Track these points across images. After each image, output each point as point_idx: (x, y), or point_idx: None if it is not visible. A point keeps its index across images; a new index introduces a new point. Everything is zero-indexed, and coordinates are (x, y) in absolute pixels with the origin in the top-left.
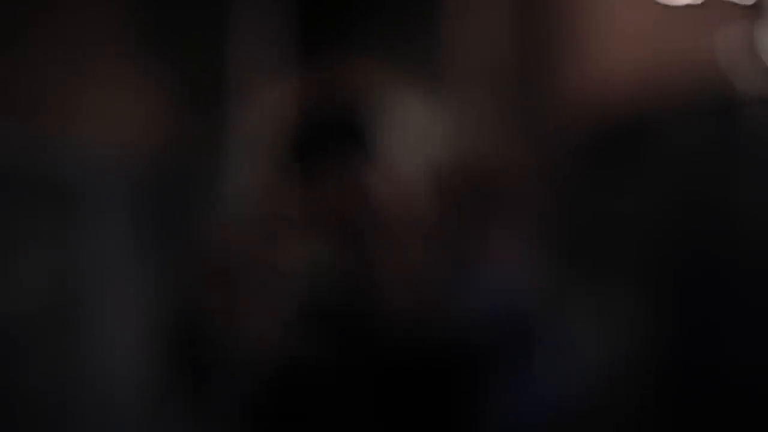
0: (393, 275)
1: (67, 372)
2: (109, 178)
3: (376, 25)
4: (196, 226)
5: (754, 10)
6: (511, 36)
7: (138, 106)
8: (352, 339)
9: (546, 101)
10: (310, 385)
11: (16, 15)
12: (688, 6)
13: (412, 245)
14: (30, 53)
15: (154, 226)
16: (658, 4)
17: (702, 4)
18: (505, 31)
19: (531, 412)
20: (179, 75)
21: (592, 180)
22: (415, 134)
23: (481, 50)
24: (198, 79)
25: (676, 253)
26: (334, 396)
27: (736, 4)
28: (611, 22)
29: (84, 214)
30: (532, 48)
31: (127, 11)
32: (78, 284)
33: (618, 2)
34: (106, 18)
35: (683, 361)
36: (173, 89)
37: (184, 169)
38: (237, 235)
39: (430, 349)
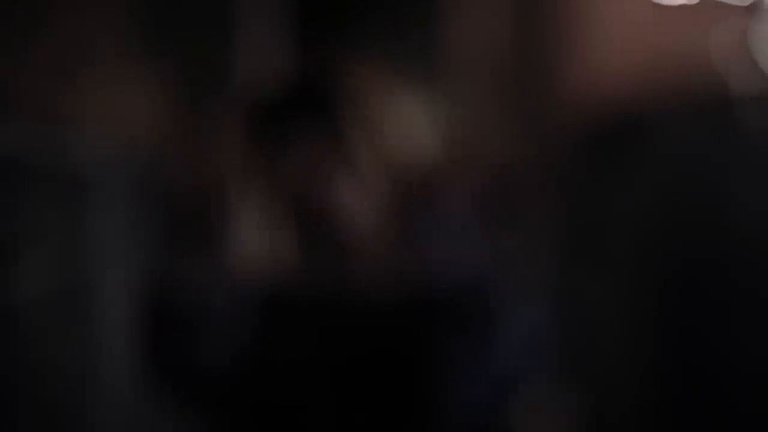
0: (355, 252)
1: (73, 359)
2: (117, 171)
3: (373, 23)
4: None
5: (748, 11)
6: (508, 35)
7: (143, 102)
8: (317, 312)
9: (542, 100)
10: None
11: (26, 16)
12: (683, 6)
13: (371, 225)
14: (42, 53)
15: (158, 216)
16: (655, 4)
17: (697, 4)
18: (502, 30)
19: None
20: (183, 73)
21: (588, 178)
22: (409, 130)
23: (478, 49)
24: (200, 76)
25: (673, 250)
26: (297, 368)
27: (731, 5)
28: (607, 22)
29: (93, 204)
30: (528, 47)
31: (133, 14)
32: (85, 273)
33: (614, 2)
34: (113, 20)
35: (680, 359)
36: (177, 87)
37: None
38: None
39: (392, 317)
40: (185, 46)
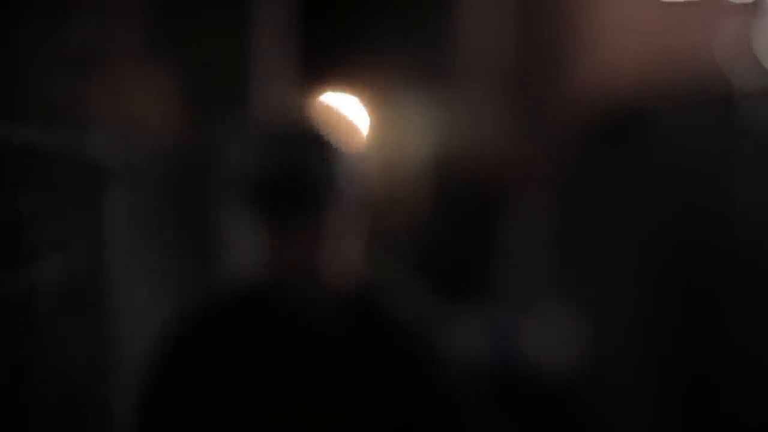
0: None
1: (94, 339)
2: (137, 161)
3: (379, 25)
4: (209, 206)
5: (750, 9)
6: (515, 35)
7: (160, 102)
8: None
9: (547, 98)
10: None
11: (58, 22)
12: (687, 5)
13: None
14: (70, 59)
15: (173, 202)
16: (659, 3)
17: (701, 3)
18: (508, 30)
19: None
20: (197, 75)
21: (594, 175)
22: (417, 133)
23: (485, 49)
24: (212, 78)
25: (675, 243)
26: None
27: (734, 4)
28: (612, 21)
29: (115, 190)
30: (534, 46)
31: (153, 23)
32: (109, 252)
33: (619, 1)
34: (136, 28)
35: (683, 355)
36: (191, 88)
37: (199, 155)
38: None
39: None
40: (198, 52)
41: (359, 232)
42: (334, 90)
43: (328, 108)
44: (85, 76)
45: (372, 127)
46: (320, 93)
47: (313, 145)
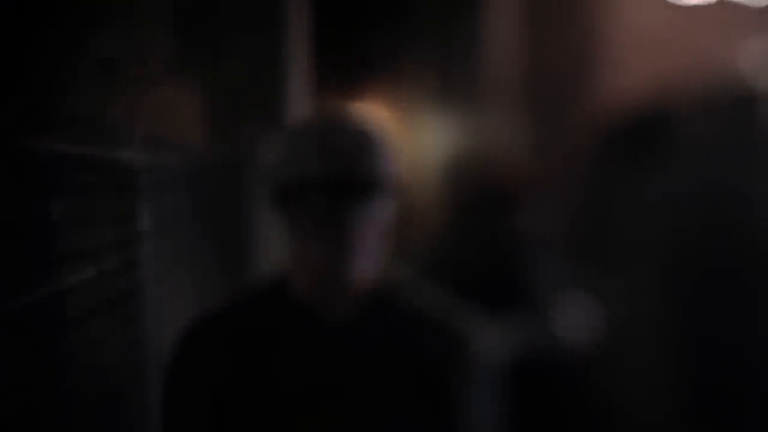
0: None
1: (126, 342)
2: (167, 165)
3: (405, 37)
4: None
5: None
6: (535, 42)
7: (187, 108)
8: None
9: (569, 104)
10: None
11: (89, 31)
12: (707, 10)
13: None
14: (102, 67)
15: (204, 206)
16: (678, 10)
17: (720, 10)
18: (529, 37)
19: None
20: (225, 86)
21: (614, 179)
22: (440, 141)
23: (506, 58)
24: (239, 89)
25: (696, 247)
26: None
27: (752, 9)
28: (633, 27)
29: (146, 193)
30: (555, 53)
31: (186, 32)
32: (140, 253)
33: (639, 9)
34: (167, 37)
35: (704, 354)
36: (219, 97)
37: (226, 161)
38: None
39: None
40: (228, 64)
41: (386, 232)
42: (358, 101)
43: (359, 112)
44: (117, 84)
45: (396, 137)
46: (346, 102)
47: (344, 145)
